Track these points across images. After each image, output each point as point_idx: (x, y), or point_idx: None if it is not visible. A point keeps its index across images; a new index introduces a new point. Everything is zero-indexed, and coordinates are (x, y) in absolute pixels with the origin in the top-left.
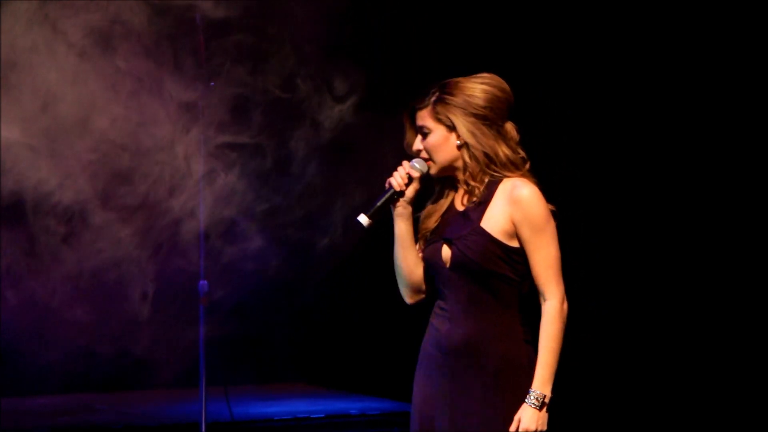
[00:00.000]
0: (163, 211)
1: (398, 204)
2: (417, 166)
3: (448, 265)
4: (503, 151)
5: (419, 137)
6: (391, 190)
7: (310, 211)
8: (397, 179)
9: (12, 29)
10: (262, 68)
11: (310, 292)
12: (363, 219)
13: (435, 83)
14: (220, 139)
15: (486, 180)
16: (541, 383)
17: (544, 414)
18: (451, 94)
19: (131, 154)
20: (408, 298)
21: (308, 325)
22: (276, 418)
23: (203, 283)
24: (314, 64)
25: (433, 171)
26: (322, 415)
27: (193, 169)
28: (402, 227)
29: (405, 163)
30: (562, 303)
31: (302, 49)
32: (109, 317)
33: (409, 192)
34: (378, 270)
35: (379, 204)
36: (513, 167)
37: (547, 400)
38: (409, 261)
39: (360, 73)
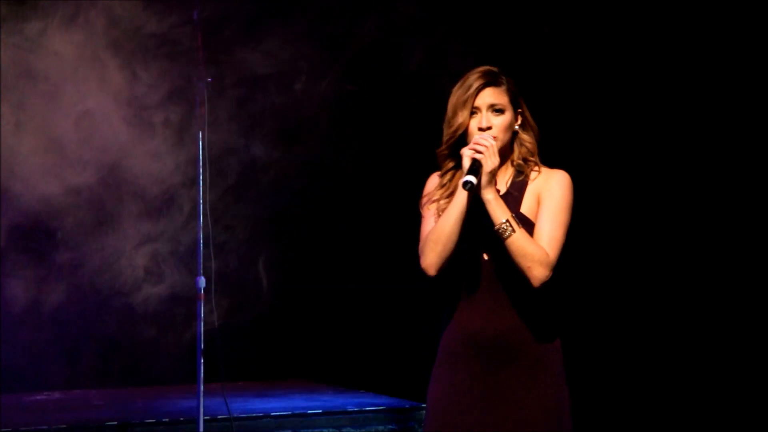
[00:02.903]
0: (162, 207)
1: (484, 173)
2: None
3: (487, 255)
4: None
5: (488, 114)
6: (482, 157)
7: (311, 208)
8: (491, 150)
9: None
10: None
11: (308, 287)
12: (473, 179)
13: (484, 66)
14: (221, 138)
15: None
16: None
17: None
18: (514, 81)
19: (129, 152)
20: (435, 270)
21: (306, 321)
22: (273, 413)
23: (200, 278)
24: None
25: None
26: (320, 411)
27: (193, 168)
28: (468, 200)
29: (485, 134)
30: (552, 265)
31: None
32: (107, 314)
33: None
34: (375, 265)
35: (475, 168)
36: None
37: (508, 221)
38: (458, 234)
39: None
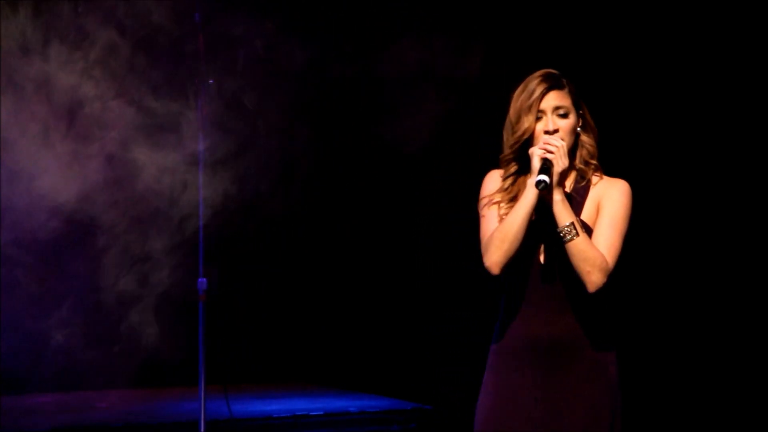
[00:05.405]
0: (163, 208)
1: (554, 174)
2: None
3: (545, 257)
4: None
5: (554, 117)
6: (553, 157)
7: (312, 207)
8: (562, 150)
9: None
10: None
11: (309, 290)
12: (546, 178)
13: (544, 69)
14: (220, 137)
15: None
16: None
17: (558, 199)
18: (574, 83)
19: (130, 151)
20: (499, 268)
21: (307, 323)
22: (275, 416)
23: (202, 280)
24: None
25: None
26: (321, 413)
27: (193, 168)
28: (536, 199)
29: (553, 135)
30: (609, 272)
31: None
32: (108, 315)
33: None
34: (376, 268)
35: (546, 167)
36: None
37: (572, 224)
38: (524, 233)
39: None
